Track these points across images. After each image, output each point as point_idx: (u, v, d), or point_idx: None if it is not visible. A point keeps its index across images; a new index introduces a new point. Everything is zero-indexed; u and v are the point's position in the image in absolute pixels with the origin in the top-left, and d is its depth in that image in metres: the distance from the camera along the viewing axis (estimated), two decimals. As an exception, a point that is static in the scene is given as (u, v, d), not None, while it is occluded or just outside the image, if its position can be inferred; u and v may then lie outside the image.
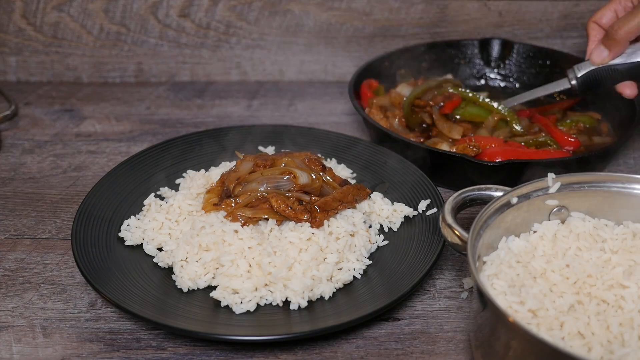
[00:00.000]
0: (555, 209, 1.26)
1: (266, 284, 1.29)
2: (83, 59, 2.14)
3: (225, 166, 1.59)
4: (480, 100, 1.76)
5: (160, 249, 1.40)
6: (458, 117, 1.74)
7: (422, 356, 1.20)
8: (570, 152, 1.67)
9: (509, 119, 1.74)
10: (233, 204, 1.39)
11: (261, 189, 1.40)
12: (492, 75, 2.04)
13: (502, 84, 2.03)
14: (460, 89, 1.80)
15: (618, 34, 1.51)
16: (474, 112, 1.75)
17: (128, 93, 2.10)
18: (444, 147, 1.64)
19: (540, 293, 1.11)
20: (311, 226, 1.36)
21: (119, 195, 1.50)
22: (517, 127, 1.72)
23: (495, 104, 1.74)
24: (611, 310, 1.10)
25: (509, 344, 1.02)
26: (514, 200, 1.22)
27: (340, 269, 1.34)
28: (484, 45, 2.03)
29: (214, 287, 1.30)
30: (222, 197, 1.43)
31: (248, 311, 1.26)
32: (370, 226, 1.46)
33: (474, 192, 1.26)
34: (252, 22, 2.10)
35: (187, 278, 1.30)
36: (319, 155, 1.60)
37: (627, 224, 1.24)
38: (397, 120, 1.74)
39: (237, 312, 1.25)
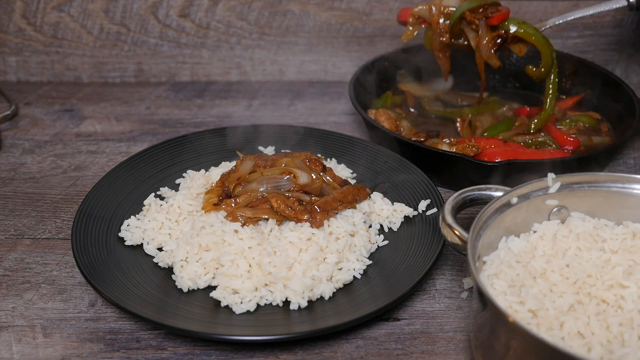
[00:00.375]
0: (555, 209, 1.26)
1: (266, 284, 1.29)
2: (83, 59, 2.14)
3: (225, 166, 1.59)
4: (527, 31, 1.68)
5: (160, 249, 1.40)
6: (503, 32, 1.68)
7: (422, 356, 1.20)
8: (570, 152, 1.67)
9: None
10: (233, 204, 1.39)
11: (261, 189, 1.40)
12: (492, 76, 2.04)
13: (502, 84, 2.03)
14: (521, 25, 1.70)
15: None
16: (522, 28, 1.67)
17: (128, 93, 2.10)
18: (444, 147, 1.64)
19: (540, 293, 1.11)
20: (311, 226, 1.36)
21: (119, 195, 1.50)
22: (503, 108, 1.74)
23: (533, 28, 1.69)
24: (611, 310, 1.10)
25: (509, 344, 1.02)
26: (514, 200, 1.22)
27: (340, 269, 1.34)
28: (484, 45, 2.03)
29: (214, 287, 1.30)
30: (222, 197, 1.43)
31: (248, 311, 1.26)
32: (370, 226, 1.46)
33: (474, 192, 1.27)
34: (252, 22, 2.10)
35: (187, 278, 1.30)
36: (319, 155, 1.60)
37: (627, 224, 1.24)
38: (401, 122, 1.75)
39: (237, 312, 1.25)
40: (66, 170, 1.72)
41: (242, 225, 1.35)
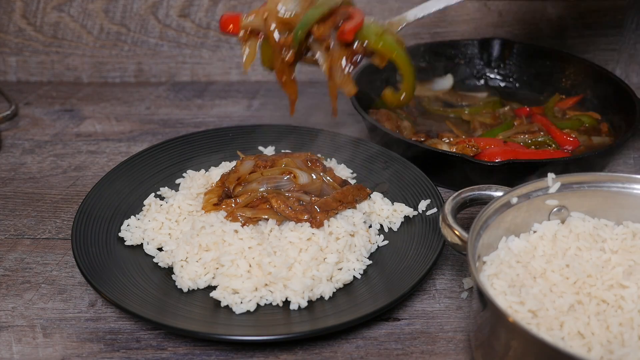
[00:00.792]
0: (555, 209, 1.26)
1: (266, 284, 1.29)
2: (83, 59, 2.14)
3: (225, 166, 1.59)
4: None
5: (160, 249, 1.40)
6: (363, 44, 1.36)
7: (422, 356, 1.20)
8: (570, 152, 1.67)
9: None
10: (233, 204, 1.39)
11: (261, 189, 1.40)
12: (492, 75, 2.04)
13: (502, 84, 2.03)
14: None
15: None
16: (381, 40, 1.33)
17: (128, 93, 2.10)
18: (444, 147, 1.64)
19: (540, 293, 1.11)
20: (311, 226, 1.36)
21: (119, 195, 1.50)
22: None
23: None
24: (611, 310, 1.10)
25: (509, 344, 1.02)
26: (514, 200, 1.22)
27: (340, 269, 1.34)
28: (484, 45, 2.03)
29: (214, 287, 1.30)
30: (222, 197, 1.43)
31: (248, 311, 1.26)
32: (370, 226, 1.46)
33: (474, 192, 1.27)
34: (252, 22, 2.10)
35: (187, 278, 1.30)
36: (319, 155, 1.60)
37: (627, 224, 1.24)
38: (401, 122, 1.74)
39: (237, 312, 1.25)
40: (66, 170, 1.72)
41: (242, 225, 1.35)
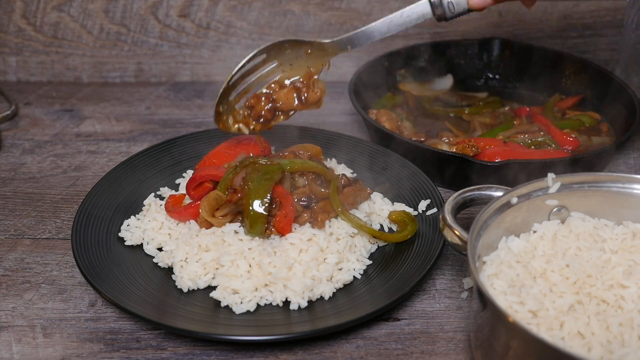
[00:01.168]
0: (555, 209, 1.26)
1: (266, 284, 1.29)
2: (83, 59, 2.14)
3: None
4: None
5: (160, 249, 1.40)
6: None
7: (422, 356, 1.20)
8: (570, 152, 1.67)
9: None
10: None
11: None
12: (492, 75, 2.04)
13: (502, 84, 2.03)
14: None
15: None
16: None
17: (128, 93, 2.10)
18: (444, 147, 1.64)
19: (540, 293, 1.11)
20: (312, 227, 1.36)
21: (119, 195, 1.50)
22: None
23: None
24: (611, 310, 1.10)
25: (509, 344, 1.02)
26: (514, 200, 1.22)
27: (341, 269, 1.34)
28: (484, 45, 2.03)
29: (214, 287, 1.30)
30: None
31: (248, 311, 1.26)
32: (370, 226, 1.46)
33: (474, 192, 1.26)
34: (252, 22, 2.10)
35: (187, 278, 1.30)
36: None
37: (627, 224, 1.24)
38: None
39: (237, 312, 1.25)
40: (66, 170, 1.72)
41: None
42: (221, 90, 1.44)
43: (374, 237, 1.40)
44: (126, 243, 1.40)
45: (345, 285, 1.33)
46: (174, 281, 1.32)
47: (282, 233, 1.34)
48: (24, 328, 1.25)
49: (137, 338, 1.24)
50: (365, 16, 2.10)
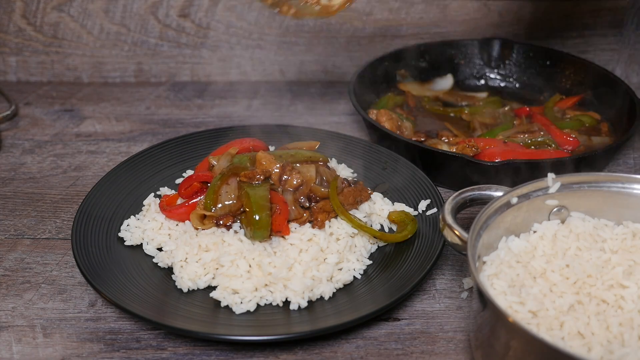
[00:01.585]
0: (555, 209, 1.26)
1: (266, 284, 1.29)
2: (83, 59, 2.14)
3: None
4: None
5: (160, 249, 1.40)
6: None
7: (422, 356, 1.20)
8: (570, 152, 1.67)
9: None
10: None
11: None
12: (492, 75, 2.04)
13: (502, 84, 2.03)
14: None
15: None
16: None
17: (128, 93, 2.10)
18: (444, 147, 1.64)
19: (540, 293, 1.11)
20: (313, 227, 1.36)
21: (119, 195, 1.50)
22: None
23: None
24: (611, 310, 1.10)
25: (509, 344, 1.02)
26: (514, 200, 1.22)
27: (341, 269, 1.34)
28: (484, 45, 2.03)
29: (214, 287, 1.30)
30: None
31: (248, 311, 1.26)
32: (370, 226, 1.46)
33: (474, 192, 1.26)
34: (252, 22, 2.10)
35: (187, 278, 1.30)
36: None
37: (627, 224, 1.24)
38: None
39: (237, 312, 1.25)
40: (66, 170, 1.72)
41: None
42: None
43: (374, 237, 1.40)
44: (126, 243, 1.40)
45: (345, 285, 1.33)
46: (174, 281, 1.32)
47: (279, 231, 1.33)
48: (24, 328, 1.25)
49: (137, 338, 1.24)
50: (365, 16, 2.10)
